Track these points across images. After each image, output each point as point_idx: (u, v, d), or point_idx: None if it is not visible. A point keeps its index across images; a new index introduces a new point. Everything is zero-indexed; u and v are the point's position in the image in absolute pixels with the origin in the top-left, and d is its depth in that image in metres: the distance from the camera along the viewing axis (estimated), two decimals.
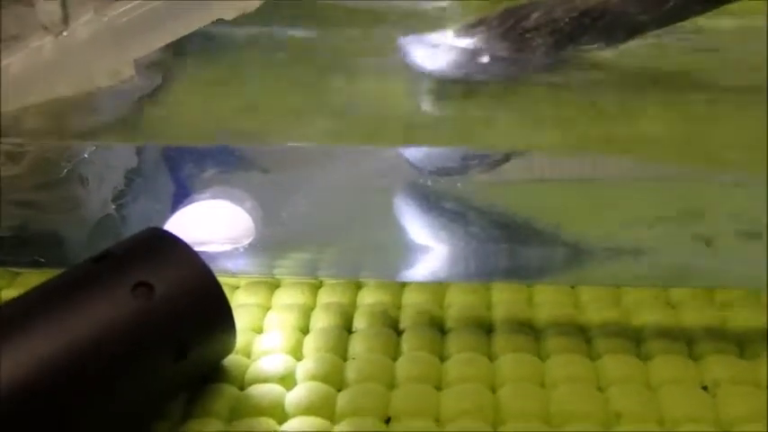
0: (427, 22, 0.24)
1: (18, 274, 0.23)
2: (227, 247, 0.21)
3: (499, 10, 0.25)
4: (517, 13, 0.24)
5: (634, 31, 0.23)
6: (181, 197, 0.25)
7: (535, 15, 0.24)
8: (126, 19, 0.20)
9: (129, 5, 0.20)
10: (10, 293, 0.22)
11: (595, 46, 0.24)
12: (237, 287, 0.22)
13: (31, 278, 0.23)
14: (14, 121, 0.22)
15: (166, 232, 0.19)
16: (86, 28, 0.20)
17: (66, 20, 0.19)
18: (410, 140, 0.22)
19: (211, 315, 0.18)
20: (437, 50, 0.25)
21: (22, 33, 0.23)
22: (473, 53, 0.25)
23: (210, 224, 0.21)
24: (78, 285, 0.17)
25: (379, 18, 0.26)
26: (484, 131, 0.21)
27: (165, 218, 0.23)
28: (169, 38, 0.20)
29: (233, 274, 0.22)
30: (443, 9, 0.25)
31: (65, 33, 0.19)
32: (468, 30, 0.25)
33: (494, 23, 0.24)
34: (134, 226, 0.24)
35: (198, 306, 0.18)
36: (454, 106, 0.22)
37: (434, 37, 0.26)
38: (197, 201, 0.22)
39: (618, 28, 0.23)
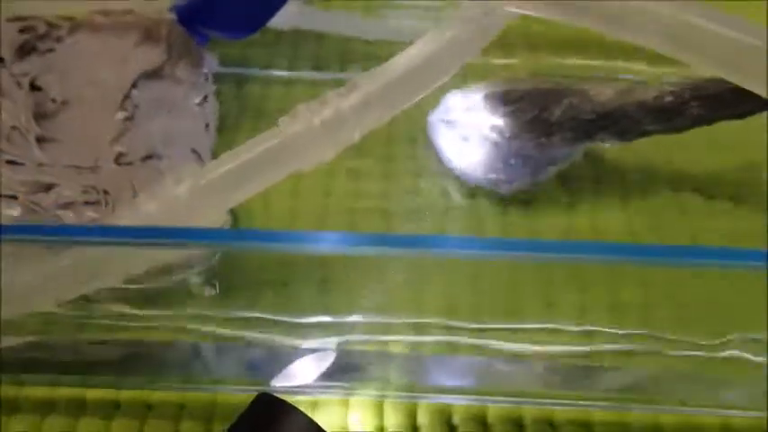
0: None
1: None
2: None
3: (528, 88, 0.29)
4: (543, 102, 0.28)
5: (644, 134, 0.27)
6: None
7: (558, 112, 0.27)
8: (221, 178, 0.23)
9: (223, 168, 0.23)
10: None
11: (608, 144, 0.28)
12: None
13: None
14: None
15: (278, 399, 0.23)
16: (187, 189, 0.23)
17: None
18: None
19: None
20: (467, 145, 0.29)
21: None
22: (500, 152, 0.28)
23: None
24: None
25: None
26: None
27: None
28: (257, 189, 0.23)
29: None
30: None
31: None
32: (496, 108, 0.28)
33: (524, 107, 0.28)
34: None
35: None
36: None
37: (463, 123, 0.29)
38: None
39: (630, 131, 0.28)
